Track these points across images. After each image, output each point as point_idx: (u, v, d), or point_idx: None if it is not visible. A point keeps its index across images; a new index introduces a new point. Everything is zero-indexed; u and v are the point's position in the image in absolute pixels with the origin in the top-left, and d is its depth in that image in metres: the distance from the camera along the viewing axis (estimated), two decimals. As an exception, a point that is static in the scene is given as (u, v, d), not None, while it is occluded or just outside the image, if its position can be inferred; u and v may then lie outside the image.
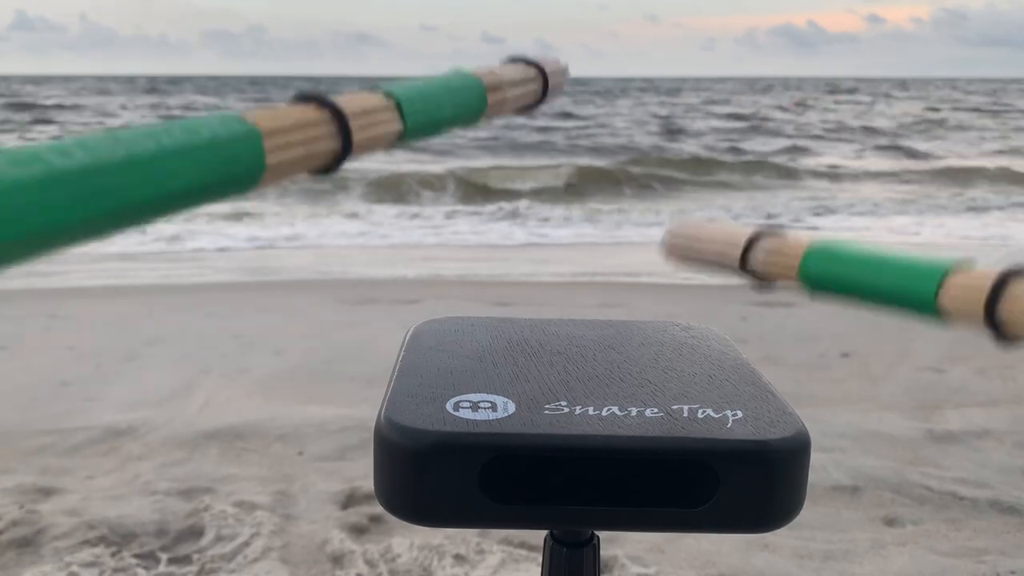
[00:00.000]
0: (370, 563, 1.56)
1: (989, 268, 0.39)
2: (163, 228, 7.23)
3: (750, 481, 0.42)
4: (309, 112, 0.31)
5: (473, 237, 7.03)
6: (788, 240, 0.45)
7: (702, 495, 0.43)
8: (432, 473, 0.42)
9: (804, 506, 0.45)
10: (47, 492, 1.83)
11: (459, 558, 1.56)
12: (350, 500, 1.81)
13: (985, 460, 2.07)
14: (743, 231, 0.47)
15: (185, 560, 1.57)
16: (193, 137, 0.26)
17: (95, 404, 2.42)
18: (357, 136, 0.32)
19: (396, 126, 0.36)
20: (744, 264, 0.46)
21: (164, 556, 1.58)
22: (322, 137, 0.31)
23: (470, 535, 1.62)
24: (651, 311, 3.61)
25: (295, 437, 2.16)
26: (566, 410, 0.46)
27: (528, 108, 0.49)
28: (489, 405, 0.46)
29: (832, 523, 1.76)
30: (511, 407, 0.45)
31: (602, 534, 0.51)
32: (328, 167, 0.32)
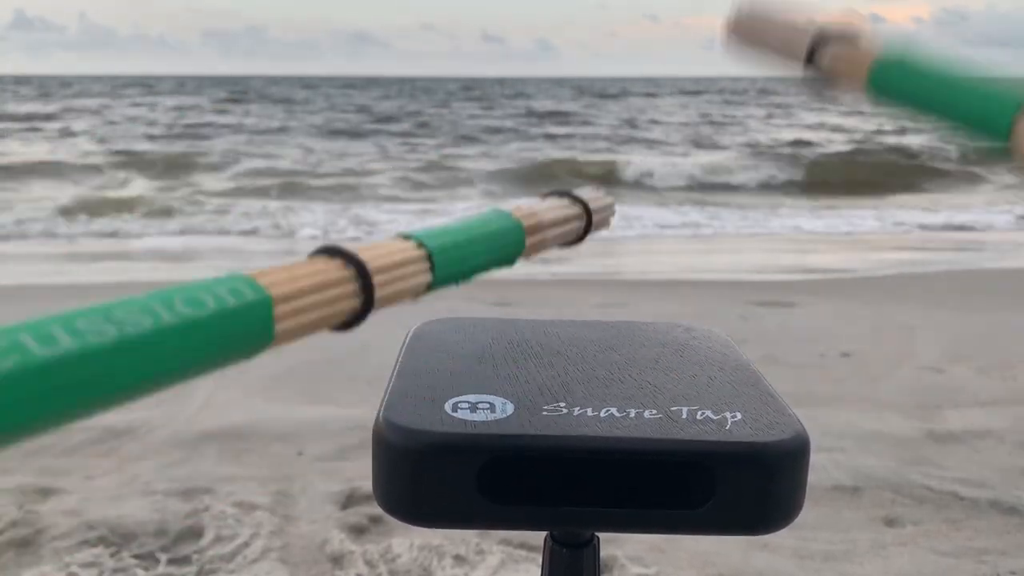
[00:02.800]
0: (370, 563, 1.56)
1: None
2: (163, 227, 7.24)
3: (749, 483, 0.42)
4: (328, 269, 0.29)
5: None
6: (860, 41, 0.41)
7: (700, 497, 0.43)
8: (430, 474, 0.42)
9: (804, 507, 0.45)
10: (46, 492, 1.83)
11: (459, 559, 1.56)
12: (350, 500, 1.81)
13: (986, 460, 2.07)
14: (813, 21, 0.43)
15: (185, 560, 1.57)
16: (196, 309, 0.23)
17: (95, 404, 2.42)
18: (380, 292, 0.30)
19: (425, 278, 0.33)
20: (810, 59, 0.42)
21: (164, 556, 1.58)
22: (341, 297, 0.29)
23: (470, 535, 1.62)
24: (652, 311, 3.61)
25: (295, 437, 2.16)
26: (565, 411, 0.46)
27: (569, 244, 0.46)
28: (488, 406, 0.46)
29: (832, 523, 1.76)
30: (510, 408, 0.45)
31: (602, 534, 0.51)
32: (347, 324, 0.30)
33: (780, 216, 7.96)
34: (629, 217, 7.64)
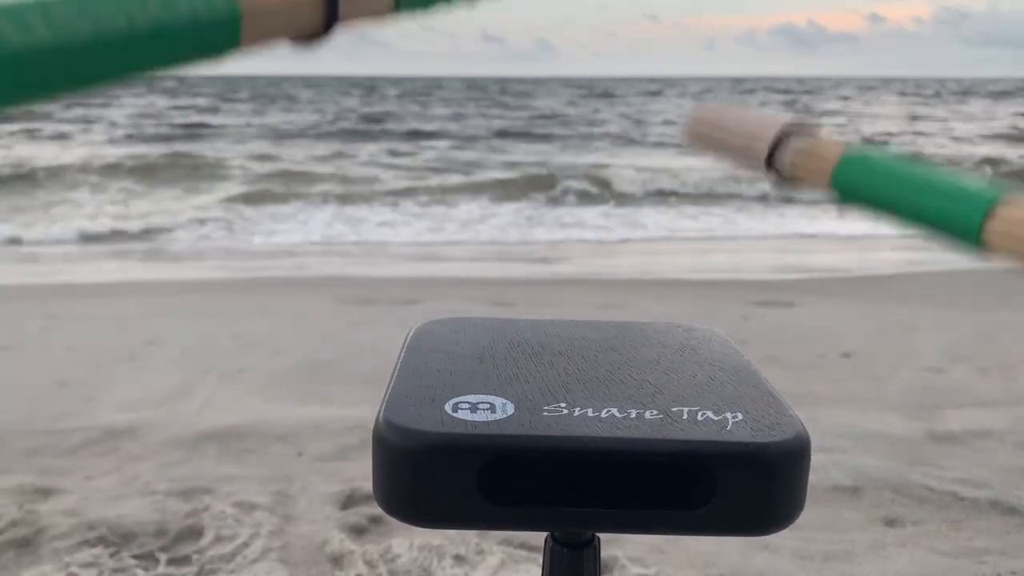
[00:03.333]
0: (370, 564, 1.56)
1: None
2: (164, 225, 7.24)
3: (749, 484, 0.42)
4: None
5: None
6: (821, 142, 0.41)
7: (701, 498, 0.43)
8: (430, 474, 0.42)
9: (804, 507, 0.45)
10: (46, 492, 1.83)
11: (459, 559, 1.56)
12: (350, 500, 1.81)
13: (986, 460, 2.07)
14: (773, 123, 0.43)
15: (184, 561, 1.57)
16: (166, 7, 0.24)
17: (94, 404, 2.42)
18: (345, 7, 0.30)
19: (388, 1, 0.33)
20: (770, 161, 0.42)
21: (163, 557, 1.58)
22: (307, 6, 0.29)
23: (470, 536, 1.62)
24: (652, 311, 3.61)
25: (294, 437, 2.16)
26: (565, 412, 0.45)
27: None
28: (488, 406, 0.45)
29: (833, 523, 1.76)
30: (510, 408, 0.45)
31: (603, 535, 0.51)
32: (312, 36, 0.29)
33: (785, 217, 7.95)
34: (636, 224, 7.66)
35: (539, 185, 9.70)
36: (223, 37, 0.26)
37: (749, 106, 0.47)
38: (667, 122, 19.21)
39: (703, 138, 0.45)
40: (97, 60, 0.22)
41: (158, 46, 0.24)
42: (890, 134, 16.91)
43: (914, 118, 20.96)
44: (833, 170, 0.39)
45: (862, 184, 0.39)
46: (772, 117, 0.44)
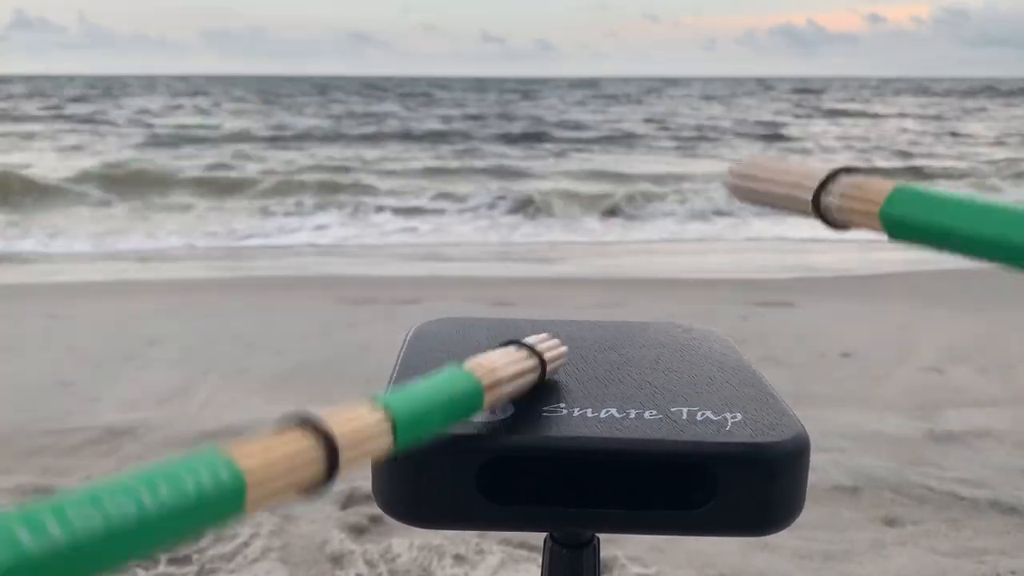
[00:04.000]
0: (370, 563, 1.56)
1: None
2: (163, 225, 7.24)
3: (748, 484, 0.42)
4: (295, 440, 0.31)
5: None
6: (868, 181, 0.41)
7: (700, 498, 0.43)
8: (430, 475, 0.42)
9: (804, 507, 0.45)
10: (47, 492, 1.83)
11: (459, 558, 1.56)
12: (350, 500, 1.81)
13: (986, 460, 2.07)
14: (818, 170, 0.43)
15: (184, 560, 1.57)
16: (177, 491, 0.25)
17: (95, 404, 2.42)
18: (345, 456, 0.32)
19: (387, 442, 0.35)
20: (817, 205, 0.42)
21: (163, 556, 1.58)
22: (309, 464, 0.31)
23: (470, 535, 1.62)
24: (652, 311, 3.61)
25: (295, 437, 2.15)
26: (564, 412, 0.45)
27: (530, 388, 0.47)
28: (487, 406, 0.45)
29: (832, 523, 1.76)
30: (509, 408, 0.45)
31: (602, 535, 0.51)
32: (314, 488, 0.31)
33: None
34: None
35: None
36: (230, 506, 0.27)
37: (791, 157, 0.47)
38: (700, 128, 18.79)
39: (747, 189, 0.45)
40: (109, 549, 0.23)
41: (168, 525, 0.25)
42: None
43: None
44: (882, 206, 0.39)
45: (913, 218, 0.38)
46: (815, 165, 0.44)
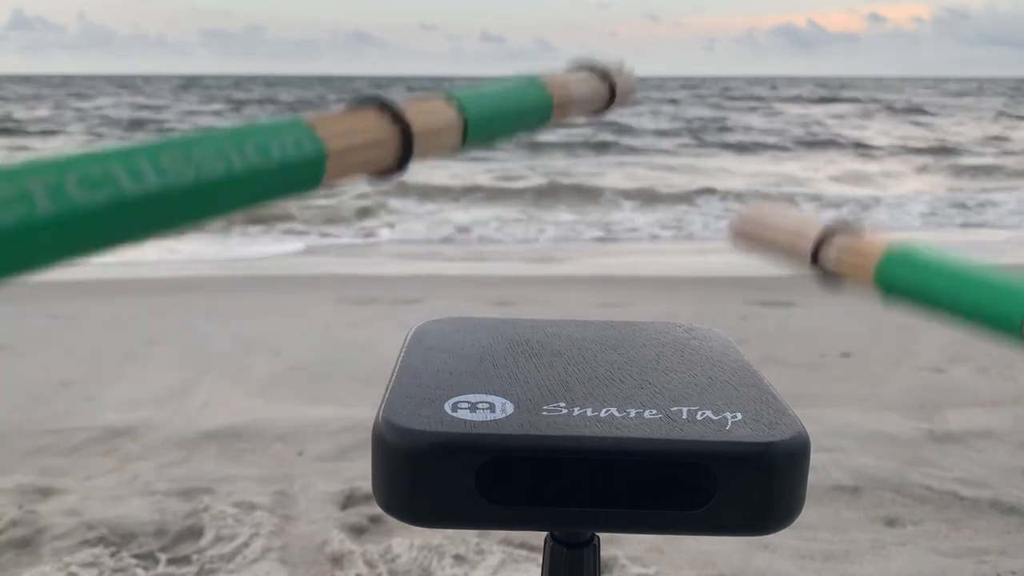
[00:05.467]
0: (370, 563, 1.56)
1: None
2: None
3: (748, 483, 0.42)
4: (373, 119, 0.31)
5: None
6: (864, 239, 0.43)
7: (700, 497, 0.43)
8: (430, 474, 0.42)
9: (804, 507, 0.45)
10: (46, 492, 1.83)
11: (459, 558, 1.56)
12: (350, 500, 1.81)
13: (986, 460, 2.07)
14: (816, 223, 0.45)
15: (184, 560, 1.57)
16: (261, 153, 0.26)
17: (95, 404, 2.42)
18: (418, 143, 0.33)
19: (458, 134, 0.36)
20: (815, 259, 0.44)
21: (163, 556, 1.58)
22: (384, 145, 0.31)
23: (470, 535, 1.62)
24: (652, 311, 3.61)
25: (295, 437, 2.16)
26: (564, 411, 0.45)
27: (593, 114, 0.48)
28: (487, 406, 0.45)
29: (832, 523, 1.76)
30: (509, 408, 0.45)
31: (602, 534, 0.51)
32: (388, 172, 0.32)
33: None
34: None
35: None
36: (310, 176, 0.28)
37: (791, 208, 0.48)
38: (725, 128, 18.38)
39: (748, 237, 0.47)
40: (197, 201, 0.24)
41: (252, 186, 0.26)
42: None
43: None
44: (876, 266, 0.41)
45: (905, 280, 0.40)
46: (814, 218, 0.46)
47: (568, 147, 13.73)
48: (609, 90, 0.47)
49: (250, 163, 0.25)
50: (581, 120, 0.48)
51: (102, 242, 0.21)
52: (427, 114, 0.34)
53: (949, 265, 0.40)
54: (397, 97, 0.33)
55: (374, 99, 0.32)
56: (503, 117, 0.39)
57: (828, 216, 0.48)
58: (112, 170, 0.21)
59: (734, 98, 32.59)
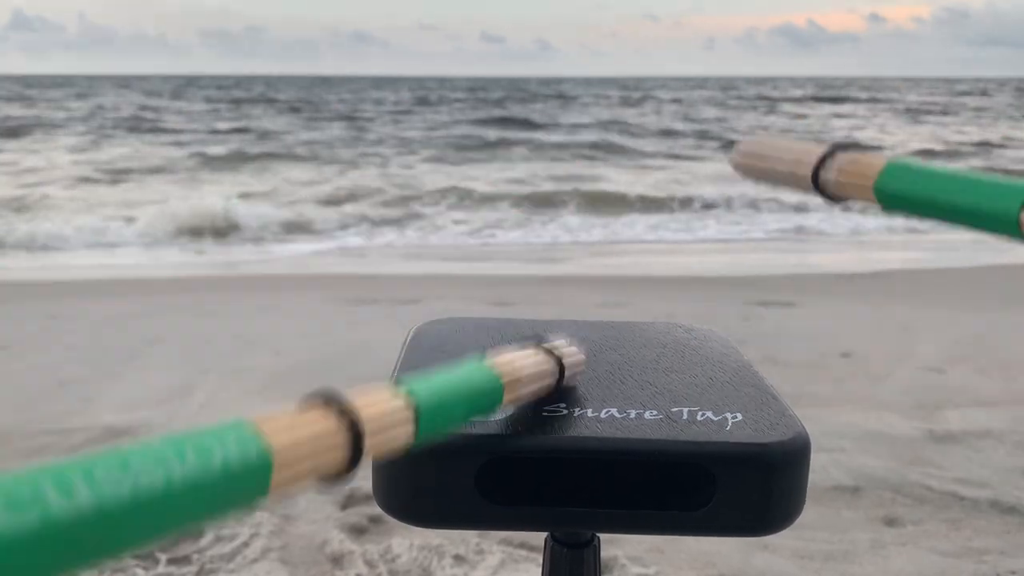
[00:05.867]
0: (370, 563, 1.56)
1: None
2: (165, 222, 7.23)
3: (749, 484, 0.42)
4: (322, 421, 0.30)
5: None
6: (863, 156, 0.43)
7: (700, 498, 0.43)
8: (429, 475, 0.42)
9: (804, 507, 0.45)
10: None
11: (459, 558, 1.56)
12: (350, 500, 1.81)
13: (986, 460, 2.07)
14: (816, 148, 0.45)
15: (184, 560, 1.57)
16: (204, 462, 0.24)
17: (95, 404, 2.42)
18: (369, 443, 0.31)
19: (409, 431, 0.34)
20: (816, 181, 0.44)
21: (163, 556, 1.58)
22: (333, 449, 0.29)
23: (470, 535, 1.62)
24: (652, 311, 3.61)
25: (295, 437, 2.15)
26: (564, 412, 0.45)
27: (543, 392, 0.47)
28: (487, 406, 0.45)
29: (832, 523, 1.76)
30: (509, 408, 0.45)
31: (602, 534, 0.51)
32: (337, 476, 0.30)
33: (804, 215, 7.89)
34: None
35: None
36: (253, 486, 0.26)
37: (791, 135, 0.49)
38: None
39: (750, 167, 0.47)
40: (134, 518, 0.22)
41: (191, 498, 0.24)
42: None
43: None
44: (875, 182, 0.41)
45: (904, 191, 0.40)
46: (814, 143, 0.46)
47: (573, 149, 13.72)
48: (557, 366, 0.46)
49: (191, 474, 0.23)
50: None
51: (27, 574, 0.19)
52: (378, 410, 0.32)
53: (945, 173, 0.40)
54: (344, 391, 0.31)
55: (325, 396, 0.30)
56: (455, 405, 0.37)
57: (827, 141, 0.49)
58: (39, 487, 0.20)
59: (774, 99, 32.09)
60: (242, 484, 0.25)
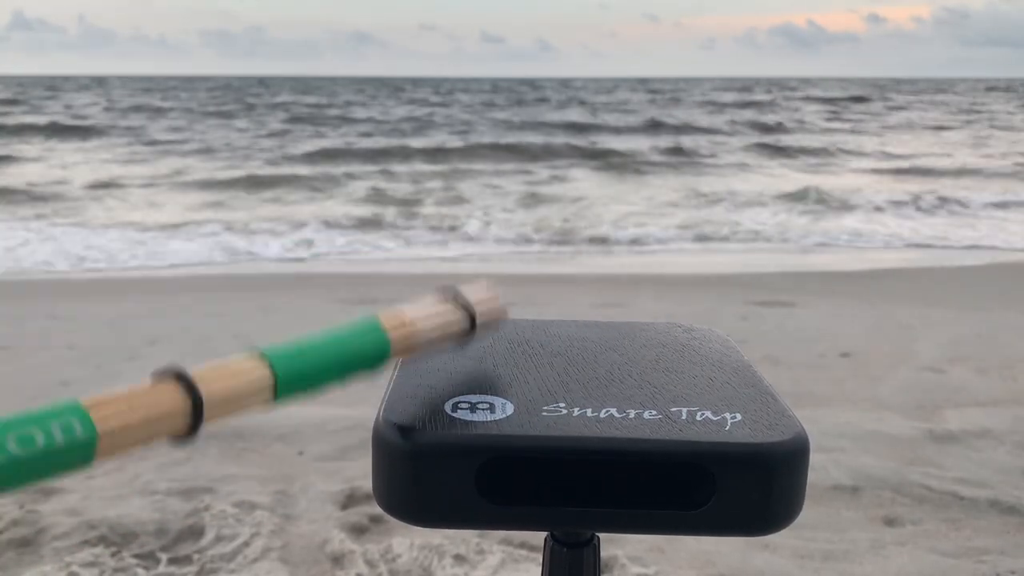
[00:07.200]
0: (370, 563, 1.56)
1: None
2: (161, 219, 7.23)
3: (748, 484, 0.42)
4: (162, 395, 0.32)
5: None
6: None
7: (699, 498, 0.43)
8: (430, 474, 0.42)
9: (804, 507, 0.45)
10: (47, 492, 1.83)
11: (459, 558, 1.56)
12: (350, 500, 1.81)
13: (985, 460, 2.07)
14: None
15: (185, 560, 1.57)
16: (25, 447, 0.27)
17: (95, 404, 2.42)
18: (213, 409, 0.33)
19: (265, 395, 0.36)
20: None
21: (164, 556, 1.58)
22: (170, 418, 0.32)
23: (470, 535, 1.62)
24: (652, 311, 3.61)
25: (295, 437, 2.16)
26: (564, 412, 0.46)
27: (457, 341, 0.47)
28: (487, 406, 0.46)
29: (832, 523, 1.76)
30: (509, 408, 0.45)
31: (602, 534, 0.51)
32: (180, 437, 0.33)
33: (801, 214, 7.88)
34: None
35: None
36: (77, 458, 0.29)
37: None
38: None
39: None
40: None
41: (10, 472, 0.26)
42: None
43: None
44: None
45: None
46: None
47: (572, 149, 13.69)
48: (467, 315, 0.46)
49: (10, 455, 0.26)
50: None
51: None
52: (226, 380, 0.34)
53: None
54: (198, 365, 0.34)
55: (170, 371, 0.33)
56: (326, 364, 0.39)
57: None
58: None
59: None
60: (64, 458, 0.28)
